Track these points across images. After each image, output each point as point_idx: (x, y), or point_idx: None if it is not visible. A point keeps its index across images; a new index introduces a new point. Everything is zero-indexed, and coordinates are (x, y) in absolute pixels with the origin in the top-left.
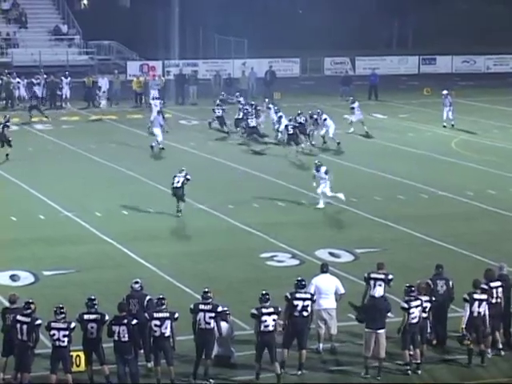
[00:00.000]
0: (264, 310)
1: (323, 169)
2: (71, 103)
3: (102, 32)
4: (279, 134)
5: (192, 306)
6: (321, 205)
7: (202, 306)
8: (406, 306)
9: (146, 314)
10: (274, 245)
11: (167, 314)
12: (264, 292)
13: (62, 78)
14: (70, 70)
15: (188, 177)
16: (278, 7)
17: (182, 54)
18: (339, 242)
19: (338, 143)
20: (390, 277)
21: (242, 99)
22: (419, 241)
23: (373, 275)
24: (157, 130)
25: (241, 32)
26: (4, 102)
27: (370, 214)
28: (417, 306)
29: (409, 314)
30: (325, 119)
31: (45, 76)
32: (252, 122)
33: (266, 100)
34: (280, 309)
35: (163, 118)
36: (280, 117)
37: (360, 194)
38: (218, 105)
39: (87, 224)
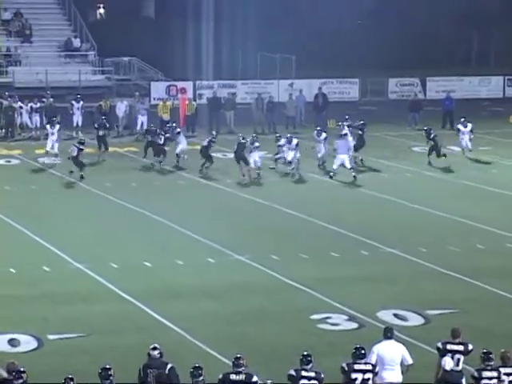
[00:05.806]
0: (304, 373)
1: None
2: (83, 132)
3: (122, 47)
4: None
5: (221, 377)
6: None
7: (233, 377)
8: (476, 375)
9: None
10: (327, 304)
11: None
12: (306, 353)
13: (73, 102)
14: (83, 93)
15: (214, 139)
16: (332, 18)
17: (216, 73)
18: (406, 301)
19: (355, 177)
20: (470, 347)
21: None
22: (505, 300)
23: (449, 346)
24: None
25: (287, 47)
26: (3, 130)
27: (444, 267)
28: (491, 378)
29: None
30: (345, 134)
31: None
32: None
33: (318, 129)
34: (323, 376)
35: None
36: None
37: (432, 243)
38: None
39: (101, 278)
